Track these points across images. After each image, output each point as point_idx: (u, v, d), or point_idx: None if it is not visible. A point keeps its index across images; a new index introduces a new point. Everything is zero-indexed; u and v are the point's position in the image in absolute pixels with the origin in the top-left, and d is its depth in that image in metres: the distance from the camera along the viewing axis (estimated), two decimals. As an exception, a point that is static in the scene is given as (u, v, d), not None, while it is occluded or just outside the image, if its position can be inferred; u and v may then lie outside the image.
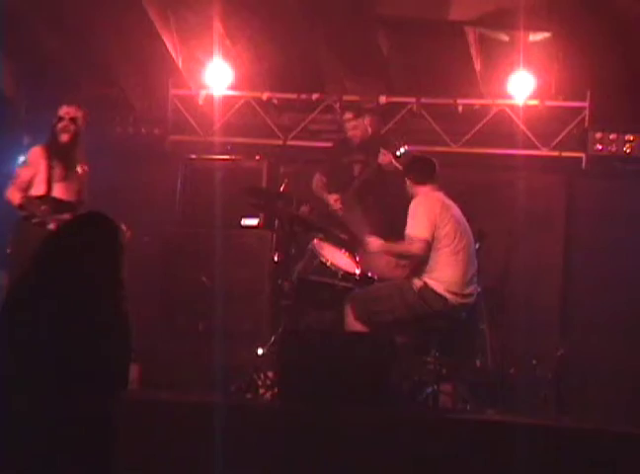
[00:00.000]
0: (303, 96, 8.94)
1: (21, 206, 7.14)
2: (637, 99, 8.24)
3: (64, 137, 7.26)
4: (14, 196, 7.20)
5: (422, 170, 7.02)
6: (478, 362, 7.55)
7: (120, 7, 8.58)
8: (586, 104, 8.47)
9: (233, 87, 8.95)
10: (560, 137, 8.56)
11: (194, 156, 8.69)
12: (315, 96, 8.93)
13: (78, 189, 7.33)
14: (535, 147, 8.59)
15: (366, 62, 8.86)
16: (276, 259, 7.60)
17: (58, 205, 7.16)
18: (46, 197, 7.18)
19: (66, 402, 3.86)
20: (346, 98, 8.91)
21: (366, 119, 8.02)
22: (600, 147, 8.39)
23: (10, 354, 3.90)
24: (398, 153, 7.63)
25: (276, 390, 6.74)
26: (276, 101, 9.05)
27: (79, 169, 7.34)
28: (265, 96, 8.96)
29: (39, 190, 7.21)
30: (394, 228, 7.11)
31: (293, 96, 8.97)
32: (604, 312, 8.21)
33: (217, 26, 8.60)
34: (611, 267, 8.30)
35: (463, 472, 5.61)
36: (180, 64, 9.00)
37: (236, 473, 5.47)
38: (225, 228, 8.11)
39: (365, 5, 8.49)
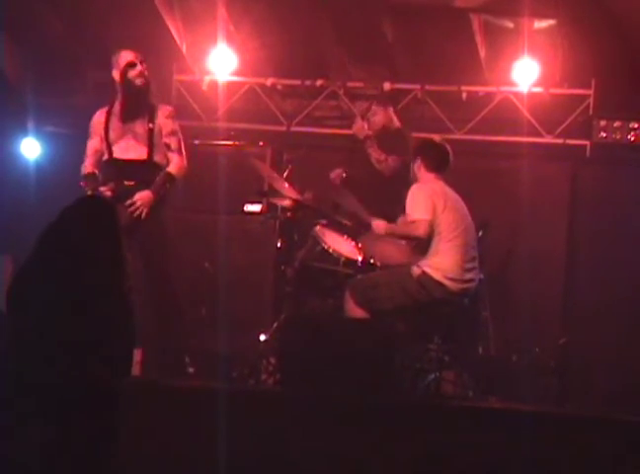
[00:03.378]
0: (307, 82, 8.93)
1: (84, 185, 6.88)
2: (642, 87, 8.23)
3: (140, 82, 6.89)
4: (84, 170, 6.96)
5: (436, 159, 6.97)
6: (480, 350, 7.56)
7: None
8: (590, 91, 8.45)
9: (237, 73, 8.94)
10: (564, 125, 8.55)
11: (197, 142, 8.66)
12: (319, 82, 8.92)
13: (144, 146, 6.89)
14: (540, 135, 8.58)
15: (371, 49, 8.84)
16: (278, 245, 7.60)
17: (119, 170, 6.84)
18: (99, 169, 6.88)
19: (69, 385, 3.87)
20: (350, 84, 8.91)
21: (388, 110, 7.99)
22: (604, 135, 8.37)
23: (14, 337, 3.91)
24: None
25: (278, 376, 6.75)
26: (280, 87, 9.05)
27: (144, 125, 6.91)
28: (269, 82, 8.95)
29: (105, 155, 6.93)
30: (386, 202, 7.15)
31: (297, 82, 8.96)
32: (608, 300, 8.21)
33: (221, 11, 8.58)
34: (615, 255, 8.30)
35: (465, 460, 5.61)
36: (184, 50, 8.99)
37: (238, 459, 5.47)
38: (228, 214, 8.11)
39: (370, -9, 8.48)
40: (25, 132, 8.92)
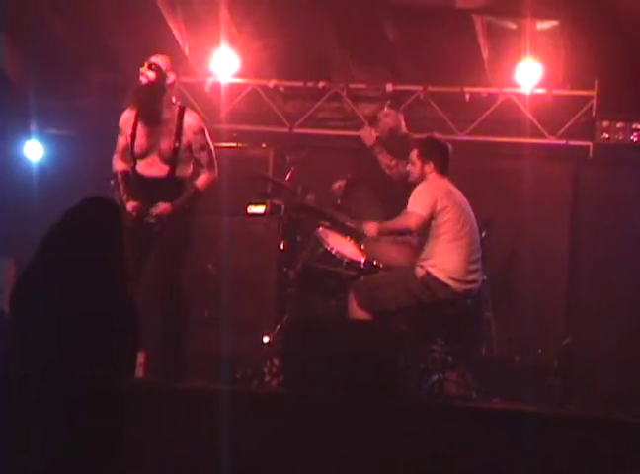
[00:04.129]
0: (310, 84, 8.94)
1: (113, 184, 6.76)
2: (645, 88, 8.23)
3: (142, 81, 6.67)
4: (115, 165, 6.81)
5: (445, 157, 6.97)
6: (483, 350, 7.56)
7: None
8: (593, 92, 8.46)
9: (239, 74, 8.94)
10: (567, 126, 8.55)
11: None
12: (322, 84, 8.93)
13: (167, 165, 6.66)
14: (542, 136, 8.58)
15: (373, 50, 8.85)
16: (281, 246, 7.60)
17: (141, 187, 6.69)
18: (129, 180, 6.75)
19: (73, 387, 3.87)
20: (352, 86, 8.91)
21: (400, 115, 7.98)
22: (607, 136, 8.38)
23: (17, 339, 3.92)
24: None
25: (281, 378, 6.76)
26: (282, 88, 9.05)
27: (170, 143, 6.64)
28: (271, 83, 8.96)
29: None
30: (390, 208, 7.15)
31: (300, 83, 8.97)
32: (610, 301, 8.21)
33: (224, 13, 8.59)
34: (617, 255, 8.30)
35: (468, 460, 5.61)
36: (186, 52, 8.99)
37: (241, 461, 5.48)
38: (231, 216, 8.11)
39: (372, -8, 8.48)
40: (27, 135, 8.93)
